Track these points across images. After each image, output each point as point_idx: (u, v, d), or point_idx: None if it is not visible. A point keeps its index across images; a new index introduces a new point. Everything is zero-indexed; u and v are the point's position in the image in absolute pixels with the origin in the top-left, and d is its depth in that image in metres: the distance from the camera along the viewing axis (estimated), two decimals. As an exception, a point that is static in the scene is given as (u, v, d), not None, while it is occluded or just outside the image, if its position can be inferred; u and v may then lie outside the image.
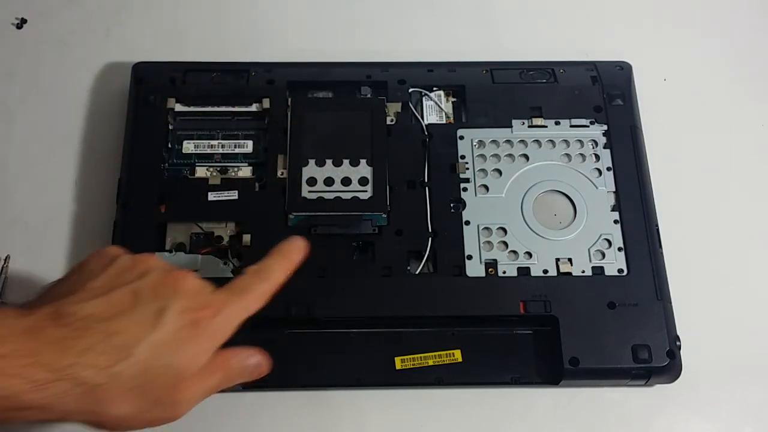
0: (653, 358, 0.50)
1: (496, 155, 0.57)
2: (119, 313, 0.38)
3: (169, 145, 0.57)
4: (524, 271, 0.53)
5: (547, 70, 0.60)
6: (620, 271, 0.53)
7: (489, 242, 0.54)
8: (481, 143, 0.57)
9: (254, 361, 0.44)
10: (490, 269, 0.53)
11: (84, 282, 0.40)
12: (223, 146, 0.57)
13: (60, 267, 0.55)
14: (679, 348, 0.51)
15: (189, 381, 0.39)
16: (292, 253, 0.46)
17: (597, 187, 0.56)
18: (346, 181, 0.54)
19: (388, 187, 0.54)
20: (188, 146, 0.57)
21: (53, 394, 0.36)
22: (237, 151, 0.57)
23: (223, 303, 0.41)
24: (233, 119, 0.58)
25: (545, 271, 0.53)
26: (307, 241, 0.46)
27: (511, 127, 0.58)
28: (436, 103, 0.59)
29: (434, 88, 0.59)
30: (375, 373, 0.51)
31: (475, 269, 0.53)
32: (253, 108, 0.58)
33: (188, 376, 0.39)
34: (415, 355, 0.51)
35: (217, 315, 0.40)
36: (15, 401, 0.35)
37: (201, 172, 0.56)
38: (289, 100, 0.58)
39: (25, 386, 0.35)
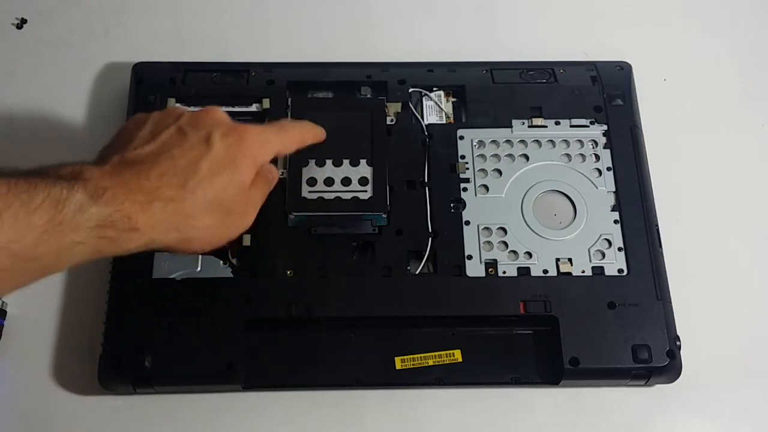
0: (653, 358, 0.50)
1: (496, 155, 0.57)
2: (173, 146, 0.45)
3: (169, 145, 0.56)
4: (524, 271, 0.53)
5: (547, 70, 0.60)
6: (620, 271, 0.53)
7: (489, 242, 0.54)
8: (481, 143, 0.57)
9: (274, 177, 0.51)
10: (490, 269, 0.53)
11: (131, 136, 0.46)
12: (223, 146, 0.57)
13: (60, 267, 0.55)
14: (679, 348, 0.51)
15: (248, 190, 0.47)
16: (316, 128, 0.53)
17: (597, 187, 0.56)
18: (346, 181, 0.54)
19: (388, 187, 0.54)
20: (188, 146, 0.57)
21: (154, 213, 0.42)
22: (237, 151, 0.57)
23: (262, 129, 0.48)
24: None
25: (545, 271, 0.53)
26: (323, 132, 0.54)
27: (511, 127, 0.58)
28: (436, 103, 0.59)
29: (434, 88, 0.59)
30: (375, 373, 0.51)
31: (475, 269, 0.53)
32: (253, 108, 0.58)
33: (247, 186, 0.46)
34: (415, 355, 0.51)
35: (258, 135, 0.47)
36: (131, 222, 0.42)
37: (201, 172, 0.56)
38: (289, 100, 0.58)
39: (133, 207, 0.42)
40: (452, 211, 0.55)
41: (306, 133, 0.52)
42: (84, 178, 0.41)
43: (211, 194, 0.44)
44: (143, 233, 0.42)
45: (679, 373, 0.51)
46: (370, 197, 0.54)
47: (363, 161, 0.55)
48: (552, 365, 0.51)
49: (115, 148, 0.45)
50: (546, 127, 0.58)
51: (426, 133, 0.57)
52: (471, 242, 0.54)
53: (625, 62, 0.61)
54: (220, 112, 0.47)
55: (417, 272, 0.53)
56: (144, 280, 0.52)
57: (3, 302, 0.54)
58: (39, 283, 0.54)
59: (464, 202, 0.55)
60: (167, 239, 0.44)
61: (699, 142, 0.61)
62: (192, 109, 0.56)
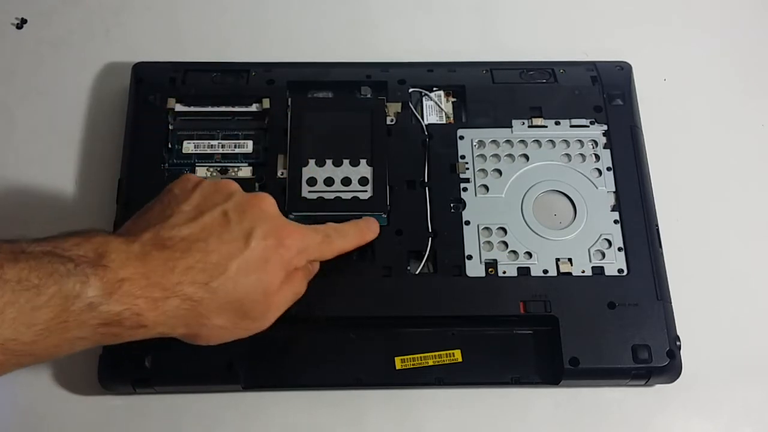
0: (653, 358, 0.50)
1: (496, 155, 0.57)
2: (212, 233, 0.43)
3: (169, 145, 0.57)
4: (524, 271, 0.53)
5: (547, 70, 0.60)
6: (620, 271, 0.53)
7: (489, 242, 0.54)
8: (481, 143, 0.57)
9: (315, 268, 0.49)
10: (490, 269, 0.53)
11: (174, 207, 0.44)
12: (223, 146, 0.57)
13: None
14: (679, 348, 0.51)
15: (273, 295, 0.44)
16: (368, 230, 0.51)
17: (597, 187, 0.56)
18: (346, 181, 0.54)
19: (388, 187, 0.54)
20: (188, 146, 0.57)
21: (167, 311, 0.40)
22: (237, 151, 0.57)
23: (305, 234, 0.46)
24: (233, 119, 0.58)
25: (545, 271, 0.53)
26: (379, 226, 0.52)
27: (511, 127, 0.58)
28: (436, 103, 0.59)
29: (434, 88, 0.59)
30: (375, 373, 0.51)
31: (475, 269, 0.53)
32: (253, 108, 0.58)
33: (272, 291, 0.44)
34: (415, 355, 0.51)
35: (298, 242, 0.45)
36: (140, 319, 0.40)
37: (201, 172, 0.56)
38: (289, 100, 0.58)
39: (147, 305, 0.40)
40: (452, 211, 0.55)
41: (352, 240, 0.50)
42: (104, 264, 0.39)
43: (232, 296, 0.42)
44: (150, 329, 0.41)
45: (679, 373, 0.51)
46: (370, 197, 0.54)
47: (363, 161, 0.55)
48: (552, 365, 0.51)
49: (154, 219, 0.43)
50: (546, 127, 0.58)
51: (426, 133, 0.57)
52: (471, 242, 0.54)
53: (625, 62, 0.61)
54: (270, 203, 0.46)
55: (417, 272, 0.53)
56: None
57: None
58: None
59: (464, 202, 0.55)
60: (173, 333, 0.43)
61: (699, 142, 0.61)
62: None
